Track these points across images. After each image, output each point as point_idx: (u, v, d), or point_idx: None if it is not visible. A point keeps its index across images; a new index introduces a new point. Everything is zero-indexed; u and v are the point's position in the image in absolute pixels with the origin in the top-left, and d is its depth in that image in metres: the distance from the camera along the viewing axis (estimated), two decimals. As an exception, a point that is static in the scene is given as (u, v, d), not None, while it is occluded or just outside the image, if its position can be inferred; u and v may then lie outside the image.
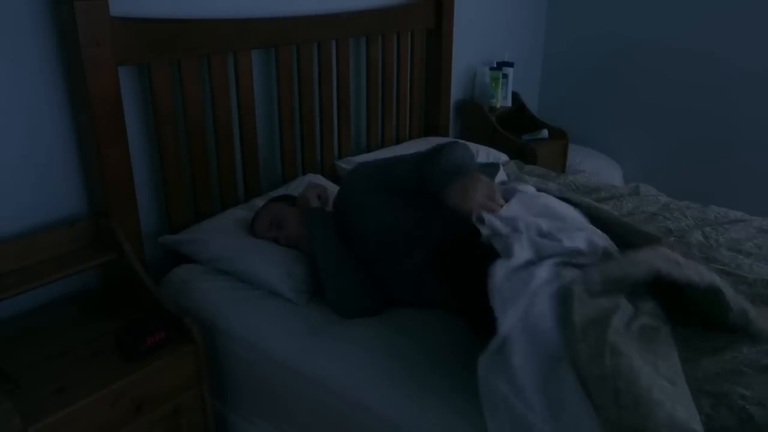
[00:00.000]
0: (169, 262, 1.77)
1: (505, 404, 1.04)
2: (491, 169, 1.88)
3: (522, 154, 2.71)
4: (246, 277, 1.61)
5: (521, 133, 2.93)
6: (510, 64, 2.93)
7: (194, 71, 1.74)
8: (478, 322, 1.25)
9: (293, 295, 1.53)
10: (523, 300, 1.13)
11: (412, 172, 1.43)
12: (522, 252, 1.22)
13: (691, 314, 1.24)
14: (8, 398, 1.17)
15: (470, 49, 2.89)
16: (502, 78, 2.90)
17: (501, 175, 1.59)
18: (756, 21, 2.71)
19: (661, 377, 1.03)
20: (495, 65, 2.93)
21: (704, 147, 2.99)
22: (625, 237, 1.45)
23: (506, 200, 1.39)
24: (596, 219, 1.47)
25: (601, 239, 1.35)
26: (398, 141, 2.58)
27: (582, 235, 1.31)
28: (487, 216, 1.29)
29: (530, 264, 1.21)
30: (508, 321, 1.10)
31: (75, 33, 1.42)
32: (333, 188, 2.05)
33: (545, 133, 2.92)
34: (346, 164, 2.25)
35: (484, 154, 2.53)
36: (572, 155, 3.02)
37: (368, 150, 2.44)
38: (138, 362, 1.36)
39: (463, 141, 1.34)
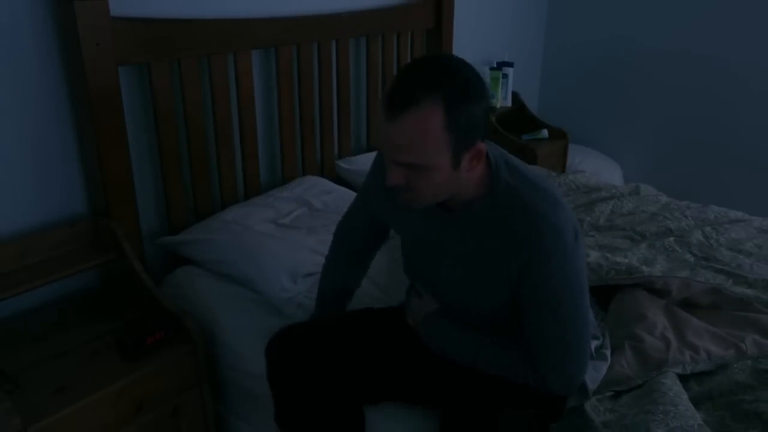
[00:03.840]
0: (169, 262, 1.77)
1: None
2: None
3: (522, 154, 2.71)
4: (242, 281, 1.61)
5: (521, 133, 2.93)
6: (510, 64, 2.93)
7: (194, 71, 1.74)
8: None
9: (284, 301, 1.54)
10: None
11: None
12: None
13: None
14: (8, 398, 1.18)
15: (470, 49, 2.88)
16: (502, 78, 2.90)
17: None
18: (756, 23, 2.71)
19: None
20: (495, 65, 2.93)
21: (704, 147, 2.99)
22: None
23: None
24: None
25: None
26: (398, 141, 2.57)
27: None
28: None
29: None
30: None
31: (75, 33, 1.42)
32: (334, 189, 2.06)
33: (545, 133, 2.92)
34: (346, 164, 2.25)
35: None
36: (572, 155, 3.02)
37: (368, 150, 2.44)
38: (138, 362, 1.36)
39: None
